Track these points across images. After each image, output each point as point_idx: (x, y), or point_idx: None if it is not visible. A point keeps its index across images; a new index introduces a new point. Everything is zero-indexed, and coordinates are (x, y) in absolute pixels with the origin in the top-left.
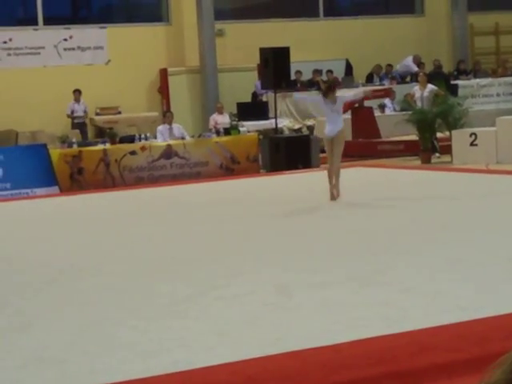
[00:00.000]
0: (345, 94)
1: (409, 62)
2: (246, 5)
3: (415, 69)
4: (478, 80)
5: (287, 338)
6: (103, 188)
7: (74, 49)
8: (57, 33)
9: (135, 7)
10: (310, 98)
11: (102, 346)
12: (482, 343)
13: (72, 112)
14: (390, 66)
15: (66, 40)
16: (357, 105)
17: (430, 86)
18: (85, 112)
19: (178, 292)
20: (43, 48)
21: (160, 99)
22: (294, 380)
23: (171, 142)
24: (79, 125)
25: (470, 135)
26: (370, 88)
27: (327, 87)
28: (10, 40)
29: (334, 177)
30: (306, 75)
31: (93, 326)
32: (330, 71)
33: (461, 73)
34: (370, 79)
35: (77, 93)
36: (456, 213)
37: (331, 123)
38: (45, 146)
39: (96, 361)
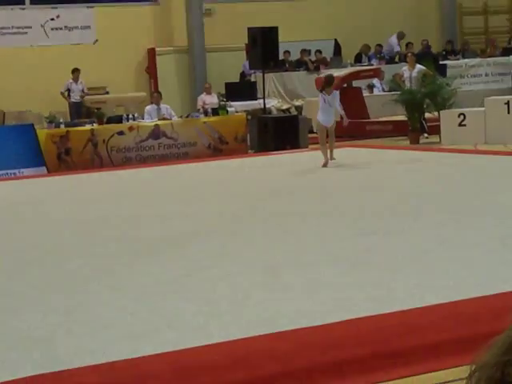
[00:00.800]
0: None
1: (392, 41)
2: None
3: (398, 48)
4: (466, 60)
5: (276, 318)
6: (91, 168)
7: (61, 28)
8: (44, 12)
9: None
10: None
11: (90, 327)
12: (470, 323)
13: (68, 91)
14: (379, 46)
15: (53, 19)
16: (345, 85)
17: (419, 67)
18: (83, 92)
19: (166, 272)
20: (30, 28)
21: (148, 79)
22: (283, 360)
23: (159, 122)
24: (76, 104)
25: (459, 115)
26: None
27: (325, 82)
28: None
29: (328, 151)
30: (295, 55)
31: (80, 306)
32: (318, 51)
33: (449, 53)
34: (358, 59)
35: (76, 72)
36: (444, 193)
37: (326, 114)
38: (32, 126)
39: (83, 341)
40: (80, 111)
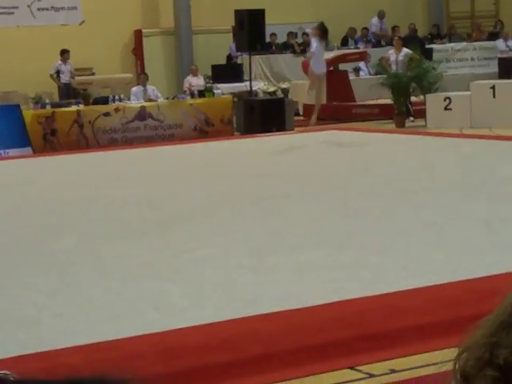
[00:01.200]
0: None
1: (373, 21)
2: None
3: (378, 28)
4: (452, 44)
5: (261, 300)
6: (76, 149)
7: (47, 9)
8: None
9: None
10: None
11: (75, 308)
12: (454, 306)
13: (58, 72)
14: (365, 29)
15: (39, 0)
16: (332, 68)
17: (405, 50)
18: (71, 73)
19: (152, 254)
20: (16, 8)
21: (134, 61)
22: (268, 342)
23: (145, 103)
24: (66, 86)
25: (445, 99)
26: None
27: (324, 30)
28: None
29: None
30: (281, 38)
31: (65, 287)
32: (305, 34)
33: (435, 37)
34: (344, 42)
35: (66, 53)
36: (430, 177)
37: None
38: (18, 106)
39: (69, 322)
40: (69, 93)
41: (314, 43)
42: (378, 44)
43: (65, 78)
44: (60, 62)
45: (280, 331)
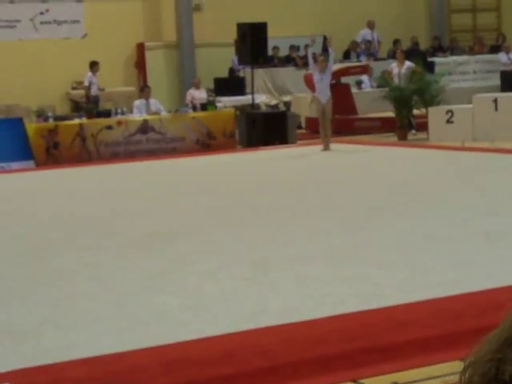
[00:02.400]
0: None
1: (364, 31)
2: None
3: (369, 37)
4: (454, 57)
5: (263, 313)
6: (79, 162)
7: (50, 22)
8: (33, 6)
9: None
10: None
11: (77, 321)
12: (456, 319)
13: (89, 84)
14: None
15: (42, 13)
16: (334, 81)
17: (408, 63)
18: (98, 85)
19: (154, 267)
20: (19, 21)
21: (137, 74)
22: (270, 355)
23: (148, 116)
24: (95, 97)
25: (447, 112)
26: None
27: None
28: None
29: (324, 135)
30: (284, 51)
31: (68, 300)
32: (307, 46)
33: (436, 49)
34: (347, 56)
35: (96, 65)
36: (431, 189)
37: (321, 91)
38: (21, 119)
39: (71, 335)
40: (98, 105)
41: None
42: (369, 55)
43: (94, 90)
44: (90, 74)
45: (282, 344)
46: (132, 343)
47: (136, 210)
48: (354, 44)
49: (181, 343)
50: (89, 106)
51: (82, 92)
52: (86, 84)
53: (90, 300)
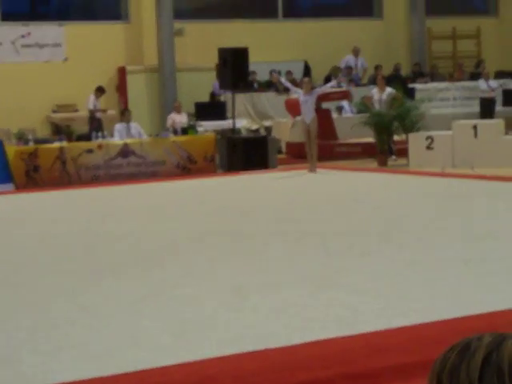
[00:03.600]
0: (318, 89)
1: (348, 57)
2: (205, 4)
3: (354, 64)
4: (434, 84)
5: (242, 338)
6: (59, 186)
7: (31, 45)
8: (15, 29)
9: (94, 4)
10: (293, 89)
11: (55, 346)
12: (435, 346)
13: (94, 107)
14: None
15: (23, 37)
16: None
17: (389, 89)
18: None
19: (134, 291)
20: (0, 44)
21: (118, 97)
22: (249, 381)
23: (128, 140)
24: (99, 121)
25: (427, 138)
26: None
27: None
28: None
29: (311, 155)
30: (263, 76)
31: (46, 325)
32: (289, 72)
33: (416, 75)
34: (327, 81)
35: (103, 92)
36: (412, 215)
37: (306, 112)
38: (1, 142)
39: (50, 360)
40: (100, 128)
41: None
42: (358, 81)
43: (97, 114)
44: (93, 97)
45: (262, 369)
46: (111, 368)
47: (116, 233)
48: (335, 69)
49: (161, 368)
50: (68, 129)
51: (62, 115)
52: (91, 107)
53: (69, 325)
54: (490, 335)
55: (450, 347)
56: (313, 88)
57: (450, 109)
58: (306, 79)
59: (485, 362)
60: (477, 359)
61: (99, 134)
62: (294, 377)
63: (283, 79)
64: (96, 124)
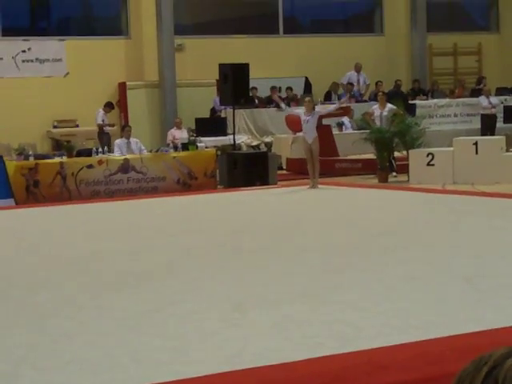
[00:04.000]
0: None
1: (350, 73)
2: (206, 20)
3: (356, 79)
4: (435, 100)
5: (242, 355)
6: (59, 201)
7: (32, 61)
8: (15, 44)
9: (95, 20)
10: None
11: (54, 361)
12: (436, 363)
13: (103, 121)
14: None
15: (24, 52)
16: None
17: (390, 106)
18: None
19: (133, 307)
20: (1, 59)
21: (118, 113)
22: None
23: (129, 156)
24: (108, 135)
25: (427, 155)
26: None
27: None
28: None
29: (313, 172)
30: (266, 92)
31: (45, 340)
32: (289, 88)
33: (415, 92)
34: (328, 97)
35: (111, 106)
36: (412, 232)
37: (307, 132)
38: (1, 157)
39: (48, 376)
40: (109, 143)
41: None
42: (351, 97)
43: (106, 129)
44: (102, 112)
45: None
46: None
47: (116, 249)
48: (335, 85)
49: None
50: (69, 144)
51: (63, 130)
52: (100, 122)
53: (67, 340)
54: (505, 349)
55: (471, 361)
56: (314, 107)
57: (450, 125)
58: (307, 99)
59: (487, 376)
60: (481, 373)
61: (99, 149)
62: None
63: (284, 106)
64: (105, 139)
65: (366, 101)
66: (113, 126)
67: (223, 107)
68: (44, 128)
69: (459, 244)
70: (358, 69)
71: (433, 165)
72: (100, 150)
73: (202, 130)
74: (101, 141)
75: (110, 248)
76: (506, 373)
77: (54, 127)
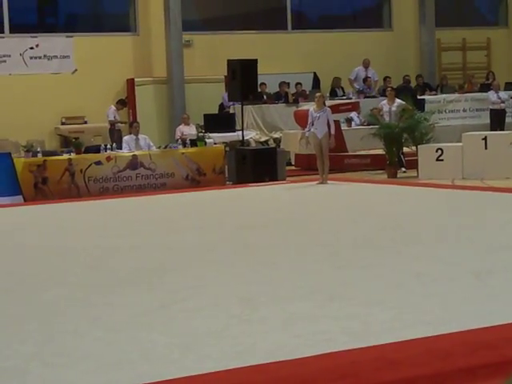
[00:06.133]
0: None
1: (358, 68)
2: (214, 16)
3: (364, 75)
4: (444, 95)
5: (251, 351)
6: (68, 198)
7: (40, 57)
8: (23, 41)
9: (102, 16)
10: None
11: (65, 358)
12: (446, 358)
13: (114, 118)
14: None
15: (32, 48)
16: None
17: (398, 101)
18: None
19: (142, 304)
20: (9, 56)
21: (126, 109)
22: None
23: (137, 152)
24: (119, 131)
25: (436, 150)
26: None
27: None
28: None
29: (323, 168)
30: (274, 88)
31: (55, 337)
32: (299, 84)
33: (422, 87)
34: (334, 93)
35: (123, 103)
36: (421, 227)
37: (317, 127)
38: (9, 154)
39: (57, 372)
40: (120, 139)
41: None
42: (360, 92)
43: (118, 125)
44: (114, 109)
45: (270, 383)
46: (120, 381)
47: (125, 246)
48: (336, 80)
49: (168, 381)
50: (77, 141)
51: (71, 127)
52: (111, 118)
53: (77, 337)
54: None
55: None
56: (325, 103)
57: (459, 120)
58: (318, 94)
59: None
60: None
61: (107, 146)
62: None
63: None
64: (117, 135)
65: (374, 96)
66: (125, 123)
67: (232, 103)
68: (52, 125)
69: (469, 239)
70: (366, 64)
71: (442, 160)
72: (108, 146)
73: (211, 126)
74: (112, 137)
75: (119, 245)
76: None
77: (62, 124)
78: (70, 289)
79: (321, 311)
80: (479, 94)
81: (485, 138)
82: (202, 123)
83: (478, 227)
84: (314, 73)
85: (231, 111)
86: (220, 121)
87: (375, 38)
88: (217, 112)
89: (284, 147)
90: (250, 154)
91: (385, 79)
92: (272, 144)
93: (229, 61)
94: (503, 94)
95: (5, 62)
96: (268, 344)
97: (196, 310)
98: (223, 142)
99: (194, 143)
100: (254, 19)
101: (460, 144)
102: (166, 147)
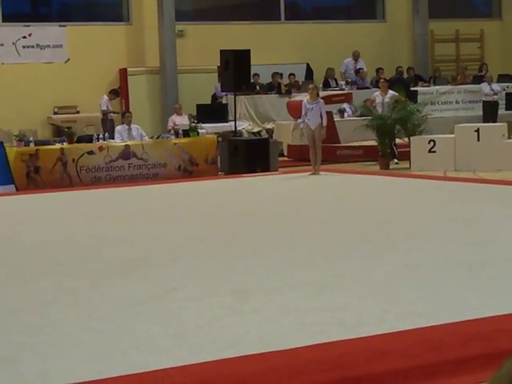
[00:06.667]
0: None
1: (347, 60)
2: (207, 6)
3: (354, 68)
4: (437, 87)
5: (243, 341)
6: (60, 187)
7: (33, 46)
8: (16, 30)
9: (95, 6)
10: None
11: (55, 347)
12: (437, 349)
13: (107, 108)
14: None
15: (25, 37)
16: None
17: (391, 92)
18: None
19: (134, 294)
20: (2, 45)
21: (119, 99)
22: None
23: (129, 142)
24: (111, 121)
25: (429, 142)
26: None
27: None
28: None
29: (315, 159)
30: (267, 78)
31: (46, 326)
32: (292, 74)
33: (412, 79)
34: (327, 84)
35: (116, 93)
36: (413, 219)
37: (311, 118)
38: (1, 143)
39: (48, 362)
40: (113, 129)
41: None
42: (353, 84)
43: (110, 116)
44: (106, 98)
45: (262, 373)
46: (111, 371)
47: (116, 236)
48: (330, 71)
49: (160, 371)
50: (69, 131)
51: (63, 116)
52: (104, 108)
53: (68, 327)
54: None
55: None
56: (318, 94)
57: (452, 112)
58: (312, 86)
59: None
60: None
61: (100, 135)
62: (294, 380)
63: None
64: (109, 125)
65: (367, 87)
66: (117, 112)
67: (224, 93)
68: (45, 114)
69: (461, 231)
70: (355, 57)
71: (434, 152)
72: (101, 136)
73: (203, 116)
74: (104, 127)
75: (110, 234)
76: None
77: (55, 113)
78: (60, 278)
79: (313, 302)
80: (472, 85)
81: (477, 130)
82: (195, 113)
83: (471, 219)
84: (307, 64)
85: (224, 101)
86: (213, 111)
87: (368, 30)
88: (209, 102)
89: (276, 138)
90: (242, 144)
91: (378, 70)
92: (264, 135)
93: (222, 51)
94: (496, 86)
95: None
96: (259, 334)
97: (188, 300)
98: (216, 133)
99: (186, 133)
100: (248, 9)
101: (452, 136)
102: (158, 137)
